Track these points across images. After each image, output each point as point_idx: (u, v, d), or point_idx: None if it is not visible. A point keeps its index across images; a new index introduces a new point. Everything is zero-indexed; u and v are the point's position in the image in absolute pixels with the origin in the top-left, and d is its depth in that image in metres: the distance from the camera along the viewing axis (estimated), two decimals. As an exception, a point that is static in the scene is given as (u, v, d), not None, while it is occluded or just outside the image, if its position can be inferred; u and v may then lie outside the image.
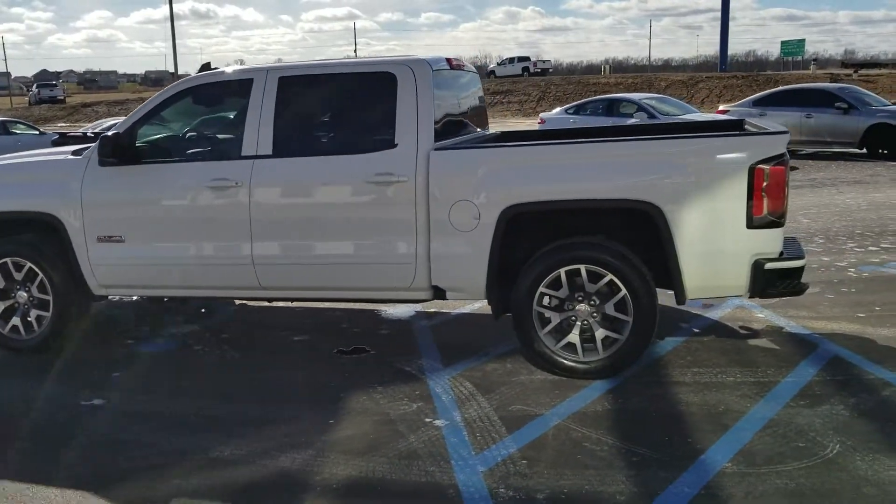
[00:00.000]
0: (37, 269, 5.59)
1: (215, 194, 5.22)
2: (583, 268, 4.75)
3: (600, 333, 4.80)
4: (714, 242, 4.63)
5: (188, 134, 5.67)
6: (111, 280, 5.57)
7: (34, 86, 67.97)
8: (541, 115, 21.43)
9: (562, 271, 4.77)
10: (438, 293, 5.09)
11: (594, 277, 4.76)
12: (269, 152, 5.17)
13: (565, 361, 4.86)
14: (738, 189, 4.53)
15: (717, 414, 4.35)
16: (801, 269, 4.72)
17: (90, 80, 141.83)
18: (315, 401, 4.73)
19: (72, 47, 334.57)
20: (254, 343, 6.03)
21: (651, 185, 4.65)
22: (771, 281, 4.64)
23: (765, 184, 4.49)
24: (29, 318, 5.69)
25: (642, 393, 4.68)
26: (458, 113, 5.86)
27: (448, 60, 5.53)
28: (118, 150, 5.27)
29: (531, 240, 4.90)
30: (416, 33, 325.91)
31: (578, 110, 18.91)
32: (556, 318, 4.85)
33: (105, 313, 6.82)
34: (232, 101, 5.51)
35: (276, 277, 5.30)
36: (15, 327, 5.71)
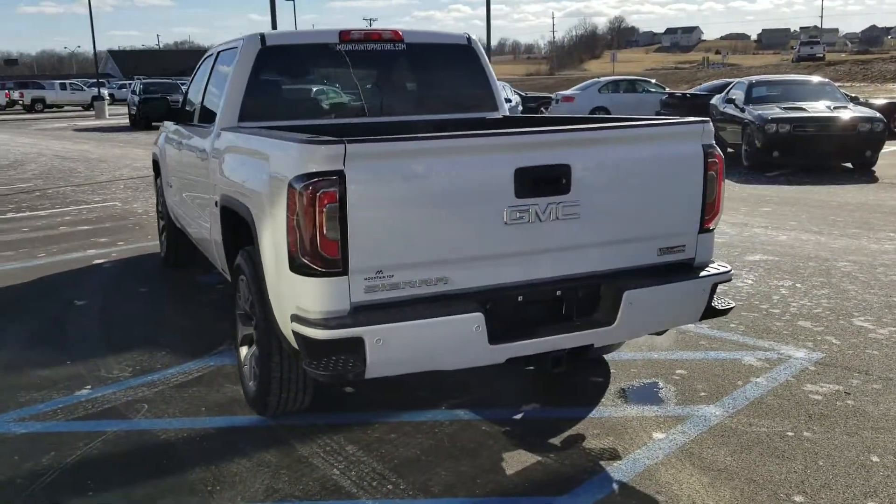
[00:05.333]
0: (165, 203, 7.27)
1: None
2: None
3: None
4: (277, 282, 3.47)
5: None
6: (175, 217, 6.88)
7: (798, 43, 68.78)
8: None
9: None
10: None
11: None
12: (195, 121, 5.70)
13: None
14: (279, 214, 3.30)
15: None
16: (334, 344, 3.13)
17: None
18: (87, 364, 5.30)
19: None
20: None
21: (247, 191, 3.76)
22: (306, 349, 3.25)
23: (296, 212, 3.16)
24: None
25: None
26: (369, 91, 5.21)
27: (342, 33, 5.01)
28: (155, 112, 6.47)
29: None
30: None
31: None
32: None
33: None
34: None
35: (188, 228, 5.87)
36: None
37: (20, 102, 50.58)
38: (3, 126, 35.21)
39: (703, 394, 4.29)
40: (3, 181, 14.62)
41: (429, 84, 5.34)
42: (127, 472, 3.59)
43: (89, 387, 4.57)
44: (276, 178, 3.34)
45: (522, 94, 28.30)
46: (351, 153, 3.05)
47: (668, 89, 25.11)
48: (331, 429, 3.96)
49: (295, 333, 3.23)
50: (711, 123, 3.79)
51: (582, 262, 3.56)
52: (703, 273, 3.74)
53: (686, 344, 5.07)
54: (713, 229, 3.85)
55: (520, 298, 3.48)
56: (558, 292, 3.55)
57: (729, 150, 15.72)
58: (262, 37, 4.81)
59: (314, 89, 5.19)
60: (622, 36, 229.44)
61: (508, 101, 20.02)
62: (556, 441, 3.81)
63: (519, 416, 4.09)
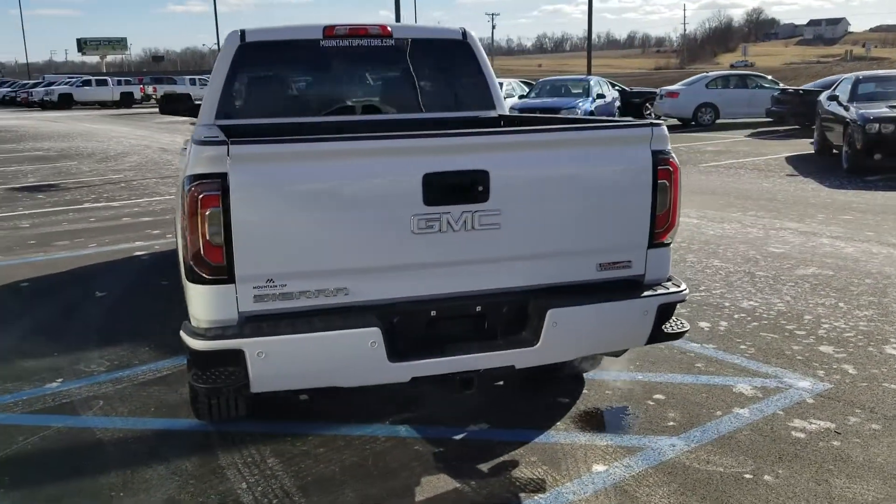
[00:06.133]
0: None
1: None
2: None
3: None
4: (185, 288, 3.37)
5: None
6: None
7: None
8: None
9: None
10: None
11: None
12: None
13: None
14: (179, 218, 3.21)
15: None
16: (215, 355, 2.98)
17: None
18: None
19: None
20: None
21: (176, 193, 3.68)
22: (191, 359, 3.13)
23: (185, 215, 3.05)
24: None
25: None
26: (354, 89, 5.07)
27: (326, 29, 4.88)
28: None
29: None
30: None
31: None
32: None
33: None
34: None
35: None
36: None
37: (153, 97, 53.49)
38: (129, 119, 37.32)
39: (671, 423, 3.91)
40: (99, 172, 15.39)
41: (419, 81, 5.12)
42: (45, 471, 3.60)
43: (61, 380, 4.64)
44: (180, 181, 3.26)
45: (627, 88, 27.47)
46: (235, 155, 2.91)
47: (781, 85, 23.71)
48: (263, 438, 3.84)
49: (183, 342, 3.11)
50: (665, 128, 3.40)
51: (506, 277, 3.28)
52: (646, 293, 3.38)
53: (679, 365, 4.66)
54: (669, 243, 3.48)
55: (433, 313, 3.24)
56: (478, 308, 3.29)
57: (834, 151, 14.67)
58: (243, 33, 4.74)
59: (296, 87, 5.08)
60: (760, 28, 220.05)
61: (602, 96, 19.43)
62: (484, 466, 3.54)
63: (460, 436, 3.84)
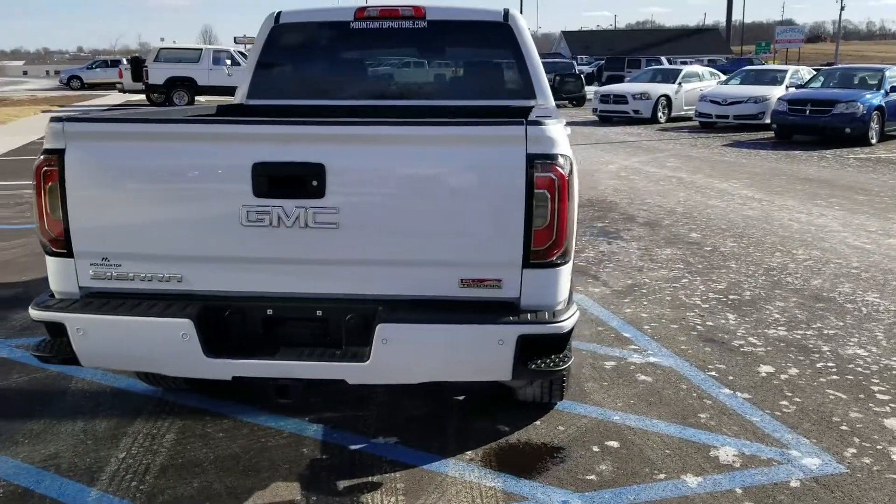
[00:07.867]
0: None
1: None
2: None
3: None
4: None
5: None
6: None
7: None
8: None
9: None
10: None
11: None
12: None
13: None
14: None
15: None
16: (47, 326, 3.07)
17: None
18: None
19: None
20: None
21: None
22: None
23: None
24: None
25: None
26: (382, 72, 4.91)
27: (357, 11, 4.81)
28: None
29: None
30: None
31: None
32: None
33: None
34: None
35: None
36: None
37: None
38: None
39: (591, 477, 3.31)
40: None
41: (452, 66, 4.82)
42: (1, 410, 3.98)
43: None
44: None
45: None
46: (70, 132, 2.97)
47: None
48: (189, 413, 3.92)
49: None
50: (549, 128, 2.83)
51: (350, 282, 2.99)
52: (504, 319, 2.87)
53: (680, 410, 3.93)
54: (559, 264, 2.93)
55: (269, 312, 3.05)
56: (319, 312, 3.03)
57: None
58: (278, 15, 4.80)
59: (323, 69, 5.00)
60: None
61: (896, 91, 16.69)
62: (345, 483, 3.29)
63: (357, 447, 3.59)
